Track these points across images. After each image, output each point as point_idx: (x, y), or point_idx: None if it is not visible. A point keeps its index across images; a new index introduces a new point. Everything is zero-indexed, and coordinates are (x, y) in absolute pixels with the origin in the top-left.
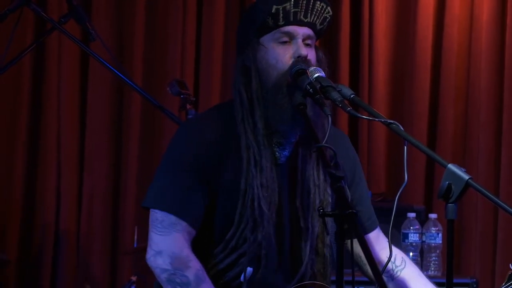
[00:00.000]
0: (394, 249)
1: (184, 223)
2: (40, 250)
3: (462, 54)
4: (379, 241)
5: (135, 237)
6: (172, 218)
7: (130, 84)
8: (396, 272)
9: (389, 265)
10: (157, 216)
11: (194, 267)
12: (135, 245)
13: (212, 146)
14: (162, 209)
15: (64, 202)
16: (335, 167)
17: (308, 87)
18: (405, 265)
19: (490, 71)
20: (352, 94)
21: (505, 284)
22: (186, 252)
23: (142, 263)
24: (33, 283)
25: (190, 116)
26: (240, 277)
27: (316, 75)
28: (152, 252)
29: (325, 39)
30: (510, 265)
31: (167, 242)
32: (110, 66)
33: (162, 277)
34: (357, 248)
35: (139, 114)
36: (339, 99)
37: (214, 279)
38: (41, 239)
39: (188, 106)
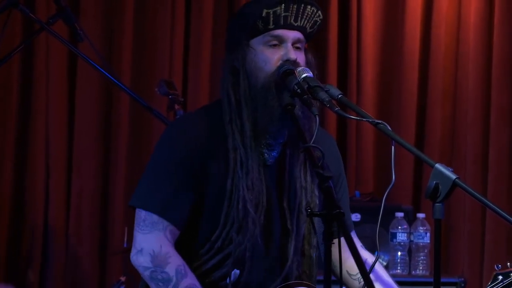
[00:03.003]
0: (364, 253)
1: (166, 222)
2: (29, 250)
3: (449, 55)
4: None
5: (125, 237)
6: (155, 217)
7: (119, 85)
8: (360, 278)
9: (356, 269)
10: (141, 215)
11: (174, 262)
12: (125, 245)
13: (199, 147)
14: (146, 208)
15: (52, 202)
16: (323, 167)
17: (296, 87)
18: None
19: (477, 72)
20: (340, 94)
21: (490, 284)
22: (166, 249)
23: (132, 264)
24: (22, 283)
25: (178, 117)
26: (226, 278)
27: (304, 75)
28: (134, 251)
29: (313, 40)
30: (495, 266)
31: (148, 240)
32: (98, 67)
33: (145, 274)
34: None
35: (128, 115)
36: (327, 99)
37: (200, 278)
38: (30, 239)
39: (176, 106)
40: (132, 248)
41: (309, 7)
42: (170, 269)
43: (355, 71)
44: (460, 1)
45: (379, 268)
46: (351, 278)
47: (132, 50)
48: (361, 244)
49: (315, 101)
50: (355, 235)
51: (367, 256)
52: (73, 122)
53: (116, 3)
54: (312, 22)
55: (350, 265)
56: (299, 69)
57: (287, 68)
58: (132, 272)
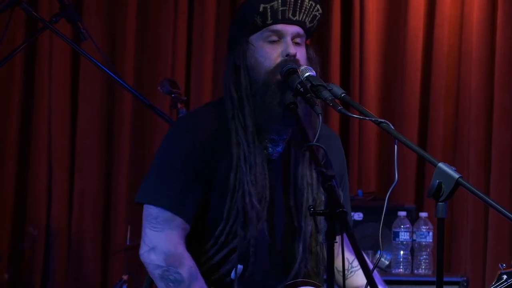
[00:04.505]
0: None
1: (179, 220)
2: (32, 249)
3: (452, 54)
4: (346, 241)
5: (128, 235)
6: (167, 214)
7: (121, 84)
8: (350, 272)
9: (346, 265)
10: (151, 211)
11: (187, 264)
12: (127, 243)
13: (205, 143)
14: (157, 205)
15: (55, 201)
16: (326, 166)
17: (299, 86)
18: (359, 267)
19: (480, 71)
20: (343, 93)
21: (494, 284)
22: (181, 249)
23: (134, 262)
24: (25, 282)
25: (181, 115)
26: (231, 274)
27: (307, 74)
28: (146, 247)
29: (316, 38)
30: (500, 265)
31: (161, 238)
32: (101, 66)
33: (156, 273)
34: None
35: (130, 113)
36: (330, 98)
37: (206, 275)
38: (32, 238)
39: (179, 105)
40: (142, 245)
41: (307, 0)
42: (184, 271)
43: (358, 70)
44: (463, 0)
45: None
46: (339, 274)
47: (135, 49)
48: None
49: (318, 100)
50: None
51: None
52: (76, 121)
53: (119, 2)
54: (311, 16)
55: (337, 262)
56: (302, 68)
57: (290, 67)
58: (135, 271)
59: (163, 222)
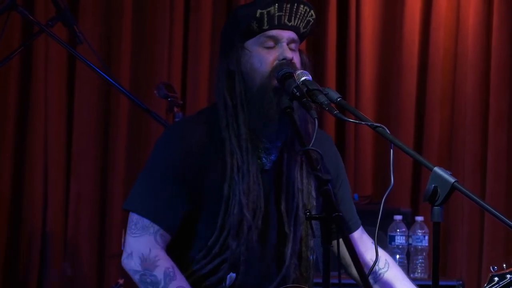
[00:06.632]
0: (379, 250)
1: (157, 227)
2: (28, 253)
3: (448, 58)
4: (363, 241)
5: (122, 239)
6: (146, 221)
7: (118, 87)
8: (380, 274)
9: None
10: (133, 218)
11: (162, 265)
12: (122, 248)
13: (196, 151)
14: (138, 212)
15: (51, 205)
16: (321, 170)
17: (295, 91)
18: (388, 267)
19: (476, 74)
20: (338, 98)
21: (486, 286)
22: (155, 252)
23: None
24: (21, 285)
25: (177, 119)
26: (222, 282)
27: (303, 78)
28: (125, 254)
29: (312, 42)
30: (491, 267)
31: (138, 244)
32: (97, 69)
33: (135, 278)
34: (343, 250)
35: (126, 117)
36: (326, 102)
37: (196, 283)
38: (28, 242)
39: (175, 109)
40: (123, 252)
41: (302, 6)
42: (159, 272)
43: (354, 74)
44: (459, 3)
45: (397, 273)
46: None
47: (131, 52)
48: (372, 240)
49: (314, 104)
50: (364, 231)
51: (380, 254)
52: (72, 124)
53: (115, 5)
54: (305, 22)
55: (363, 263)
56: (298, 72)
57: (286, 71)
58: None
59: (141, 228)
